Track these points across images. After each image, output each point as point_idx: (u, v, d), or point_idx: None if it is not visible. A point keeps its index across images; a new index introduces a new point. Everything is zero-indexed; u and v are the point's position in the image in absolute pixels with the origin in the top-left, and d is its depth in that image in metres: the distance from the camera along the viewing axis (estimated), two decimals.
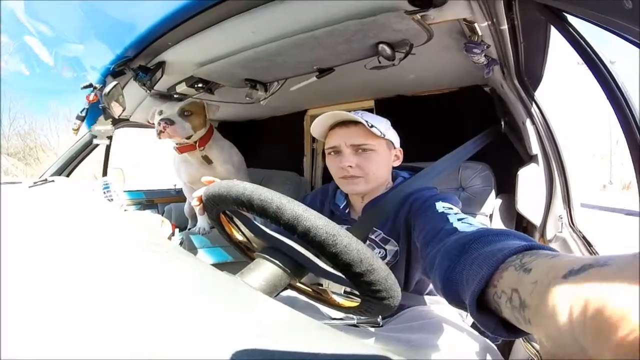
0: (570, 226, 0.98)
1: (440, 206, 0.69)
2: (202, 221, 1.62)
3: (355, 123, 0.82)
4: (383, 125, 0.84)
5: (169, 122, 1.32)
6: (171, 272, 0.33)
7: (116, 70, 1.09)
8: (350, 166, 0.82)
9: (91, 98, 1.15)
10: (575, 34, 0.63)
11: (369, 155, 0.82)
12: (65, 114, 11.25)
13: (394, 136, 0.88)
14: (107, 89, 1.07)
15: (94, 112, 1.24)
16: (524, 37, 0.84)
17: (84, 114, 1.22)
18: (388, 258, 0.88)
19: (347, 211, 0.93)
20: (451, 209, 0.68)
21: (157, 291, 0.27)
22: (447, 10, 0.75)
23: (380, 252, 0.87)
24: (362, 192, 0.86)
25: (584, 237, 0.90)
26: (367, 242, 0.87)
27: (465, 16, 0.78)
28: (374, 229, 0.87)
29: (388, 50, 0.88)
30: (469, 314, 1.08)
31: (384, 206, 0.84)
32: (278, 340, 0.23)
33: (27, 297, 0.24)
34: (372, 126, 0.80)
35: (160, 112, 1.37)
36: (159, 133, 1.34)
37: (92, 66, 1.15)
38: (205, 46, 0.98)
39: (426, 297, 0.99)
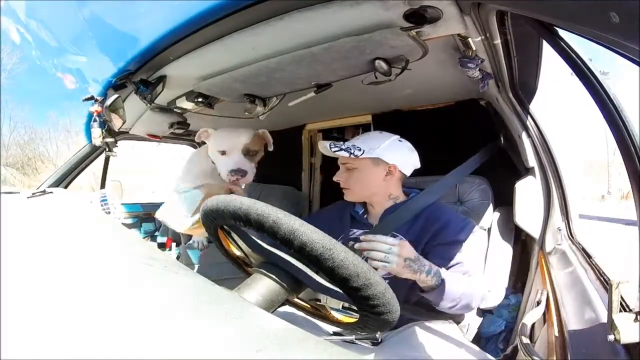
0: (569, 238, 0.97)
1: (458, 256, 0.90)
2: (200, 236, 1.55)
3: None
4: (371, 145, 0.99)
5: (243, 173, 1.18)
6: (169, 286, 0.32)
7: (117, 84, 1.10)
8: (340, 179, 1.03)
9: (96, 109, 1.16)
10: (566, 47, 0.65)
11: (352, 172, 1.01)
12: (65, 124, 11.32)
13: (387, 153, 1.00)
14: (108, 102, 1.08)
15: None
16: (517, 51, 0.86)
17: (97, 121, 1.22)
18: None
19: (365, 216, 1.07)
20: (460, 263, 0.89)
21: (155, 305, 0.27)
22: (442, 26, 0.76)
23: None
24: (352, 200, 1.06)
25: (583, 249, 0.89)
26: None
27: (459, 32, 0.80)
28: (395, 233, 0.97)
29: (384, 66, 0.90)
30: (469, 330, 1.12)
31: (400, 214, 0.99)
32: (276, 355, 0.23)
33: (25, 308, 0.24)
34: (351, 153, 0.97)
35: (223, 152, 1.19)
36: (230, 183, 1.20)
37: (94, 78, 1.17)
38: (206, 61, 0.99)
39: (427, 313, 0.98)
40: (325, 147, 1.01)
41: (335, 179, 1.03)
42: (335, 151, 0.97)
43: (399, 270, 0.77)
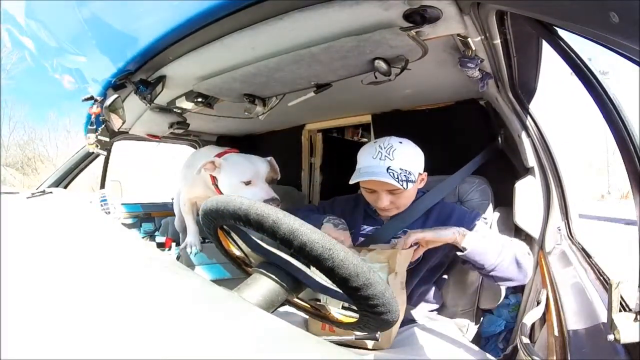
0: (569, 237, 0.97)
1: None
2: (194, 237, 1.51)
3: None
4: (411, 163, 0.97)
5: (277, 202, 1.19)
6: (169, 287, 0.32)
7: (117, 84, 1.10)
8: (387, 205, 0.98)
9: (94, 110, 1.16)
10: (566, 47, 0.65)
11: (399, 195, 0.97)
12: (65, 125, 11.32)
13: (420, 164, 1.01)
14: (108, 102, 1.08)
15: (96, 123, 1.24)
16: (517, 51, 0.86)
17: (94, 126, 1.22)
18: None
19: (377, 214, 1.08)
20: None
21: (156, 306, 0.27)
22: (441, 26, 0.76)
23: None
24: (393, 215, 1.04)
25: (582, 249, 0.89)
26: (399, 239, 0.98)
27: (458, 31, 0.80)
28: (406, 229, 1.01)
29: (384, 66, 0.90)
30: (469, 329, 1.12)
31: (410, 213, 1.03)
32: (276, 355, 0.23)
33: (25, 308, 0.24)
34: (412, 181, 0.94)
35: (248, 182, 1.20)
36: None
37: (94, 79, 1.17)
38: (206, 61, 0.99)
39: (429, 314, 0.98)
40: (380, 184, 0.94)
41: (382, 206, 0.98)
42: (399, 185, 0.92)
43: (441, 235, 0.87)
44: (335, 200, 1.20)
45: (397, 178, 0.92)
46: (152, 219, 2.12)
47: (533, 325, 0.77)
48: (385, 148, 0.96)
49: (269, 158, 1.30)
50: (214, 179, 1.28)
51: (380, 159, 0.94)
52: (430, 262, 0.97)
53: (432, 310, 1.02)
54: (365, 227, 1.07)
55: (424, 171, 1.04)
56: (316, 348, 0.25)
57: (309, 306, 0.62)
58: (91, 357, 0.20)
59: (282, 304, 0.52)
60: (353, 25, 0.77)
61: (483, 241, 0.87)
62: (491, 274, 0.88)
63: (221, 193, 1.28)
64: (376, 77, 0.98)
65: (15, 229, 0.51)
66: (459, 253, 0.88)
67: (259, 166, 1.22)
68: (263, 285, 0.48)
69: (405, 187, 0.92)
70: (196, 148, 2.23)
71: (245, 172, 1.19)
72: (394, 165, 0.93)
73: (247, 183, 1.19)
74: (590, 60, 0.65)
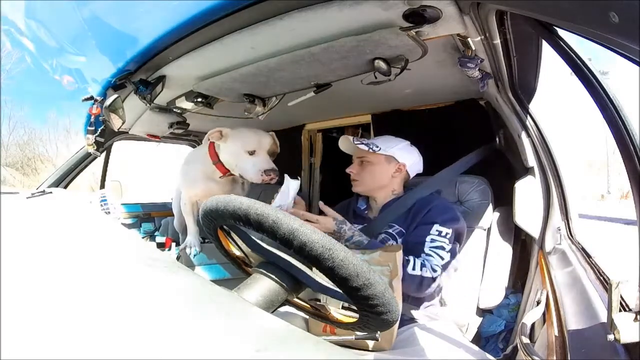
0: (569, 237, 0.97)
1: (433, 232, 0.98)
2: (194, 237, 1.52)
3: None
4: (387, 145, 1.11)
5: (276, 172, 1.24)
6: (169, 286, 0.32)
7: (117, 84, 1.10)
8: (352, 171, 1.14)
9: (94, 110, 1.16)
10: (566, 47, 0.65)
11: (365, 166, 1.13)
12: (65, 125, 11.33)
13: (400, 153, 1.12)
14: (107, 102, 1.08)
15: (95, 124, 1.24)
16: (517, 51, 0.86)
17: (93, 127, 1.23)
18: None
19: (366, 212, 1.18)
20: (434, 241, 0.97)
21: (155, 306, 0.27)
22: (441, 26, 0.76)
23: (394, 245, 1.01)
24: (359, 192, 1.17)
25: (582, 249, 0.89)
26: (384, 235, 1.06)
27: (458, 31, 0.80)
28: (392, 224, 1.07)
29: (384, 66, 0.90)
30: (469, 329, 1.13)
31: (396, 207, 1.09)
32: (276, 355, 0.23)
33: (25, 308, 0.24)
34: (370, 147, 1.07)
35: (252, 152, 1.24)
36: (263, 182, 1.26)
37: (94, 79, 1.17)
38: (206, 61, 0.99)
39: (429, 314, 0.98)
40: (346, 140, 1.15)
41: (348, 170, 1.14)
42: (357, 144, 1.08)
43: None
44: (337, 205, 1.26)
45: (365, 143, 1.08)
46: (152, 219, 2.12)
47: (533, 325, 0.77)
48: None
49: (271, 132, 1.34)
50: (214, 154, 1.31)
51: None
52: None
53: (432, 311, 1.02)
54: (356, 225, 1.11)
55: (418, 171, 1.17)
56: (316, 348, 0.25)
57: (309, 306, 0.62)
58: (91, 357, 0.20)
59: (282, 304, 0.52)
60: (353, 25, 0.77)
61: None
62: None
63: (222, 167, 1.31)
64: (376, 77, 0.98)
65: (15, 229, 0.51)
66: None
67: (263, 138, 1.27)
68: (263, 285, 0.48)
69: (366, 149, 1.07)
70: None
71: (250, 142, 1.24)
72: (370, 140, 1.11)
73: (251, 153, 1.24)
74: (590, 60, 0.65)
